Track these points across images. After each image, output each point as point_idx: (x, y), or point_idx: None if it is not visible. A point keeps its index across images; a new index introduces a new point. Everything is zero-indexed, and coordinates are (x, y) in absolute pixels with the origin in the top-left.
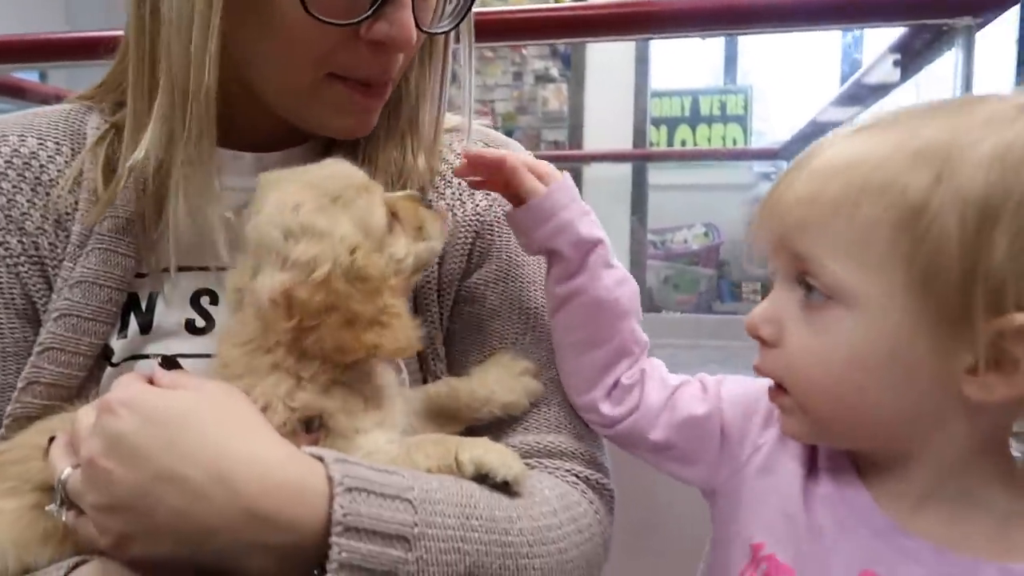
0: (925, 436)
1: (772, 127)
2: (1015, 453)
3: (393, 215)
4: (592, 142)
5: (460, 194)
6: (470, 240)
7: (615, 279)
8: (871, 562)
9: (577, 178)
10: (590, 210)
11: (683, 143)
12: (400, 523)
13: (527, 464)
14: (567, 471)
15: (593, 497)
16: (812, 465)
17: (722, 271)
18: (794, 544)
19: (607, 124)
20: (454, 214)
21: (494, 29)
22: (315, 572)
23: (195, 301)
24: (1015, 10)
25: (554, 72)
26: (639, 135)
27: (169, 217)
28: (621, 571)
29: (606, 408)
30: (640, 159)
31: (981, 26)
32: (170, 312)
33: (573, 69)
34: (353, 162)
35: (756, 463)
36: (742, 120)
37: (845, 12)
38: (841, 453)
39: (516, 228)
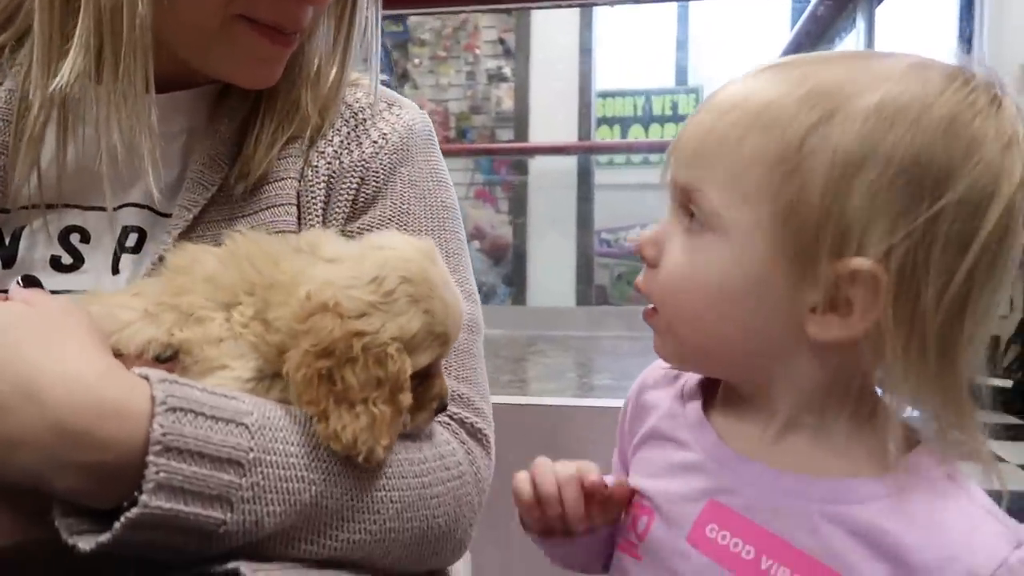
0: (777, 369)
1: None
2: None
3: (429, 376)
4: (538, 138)
5: (348, 143)
6: (355, 186)
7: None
8: (716, 491)
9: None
10: None
11: None
12: (232, 447)
13: None
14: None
15: (466, 439)
16: (675, 413)
17: None
18: (653, 485)
19: (552, 118)
20: (340, 162)
21: None
22: (135, 494)
23: (64, 238)
24: None
25: (507, 71)
26: (584, 128)
27: (58, 149)
28: None
29: None
30: (584, 151)
31: None
32: (36, 247)
33: (516, 64)
34: (245, 103)
35: (634, 443)
36: None
37: None
38: (698, 393)
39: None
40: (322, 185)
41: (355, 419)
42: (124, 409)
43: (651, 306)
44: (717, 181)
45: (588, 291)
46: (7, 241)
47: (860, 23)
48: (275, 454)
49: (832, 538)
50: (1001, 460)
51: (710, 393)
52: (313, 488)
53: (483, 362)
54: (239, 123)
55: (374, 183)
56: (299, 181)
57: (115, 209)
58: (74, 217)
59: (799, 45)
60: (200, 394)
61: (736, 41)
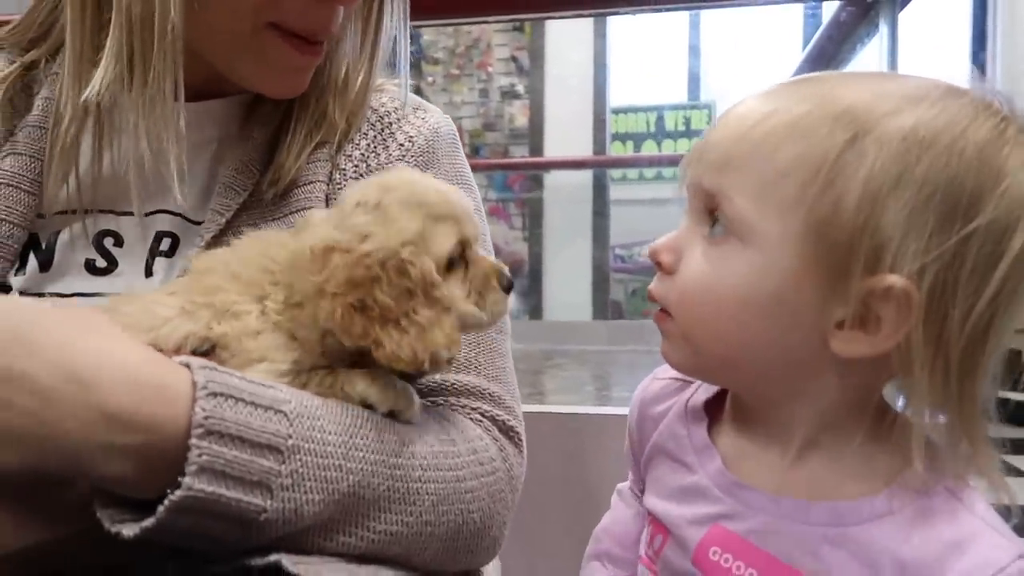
0: (795, 384)
1: None
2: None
3: (465, 261)
4: (553, 154)
5: (375, 146)
6: None
7: None
8: (720, 517)
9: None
10: None
11: None
12: (272, 433)
13: (432, 401)
14: (473, 409)
15: (499, 435)
16: (680, 434)
17: None
18: (664, 507)
19: (567, 134)
20: (368, 165)
21: (443, 4)
22: (179, 479)
23: (98, 243)
24: None
25: (520, 88)
26: (599, 143)
27: (94, 156)
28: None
29: None
30: (600, 166)
31: (904, 3)
32: (72, 251)
33: (531, 79)
34: (277, 111)
35: (644, 458)
36: None
37: None
38: (703, 415)
39: None
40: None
41: (404, 333)
42: (166, 392)
43: (660, 308)
44: (747, 189)
45: (604, 305)
46: (43, 245)
47: (883, 28)
48: (313, 442)
49: (831, 559)
50: (1020, 474)
51: (714, 413)
52: (351, 477)
53: (512, 363)
54: (272, 130)
55: None
56: (327, 184)
57: (149, 215)
58: (108, 222)
59: (822, 50)
60: (239, 381)
61: (748, 56)
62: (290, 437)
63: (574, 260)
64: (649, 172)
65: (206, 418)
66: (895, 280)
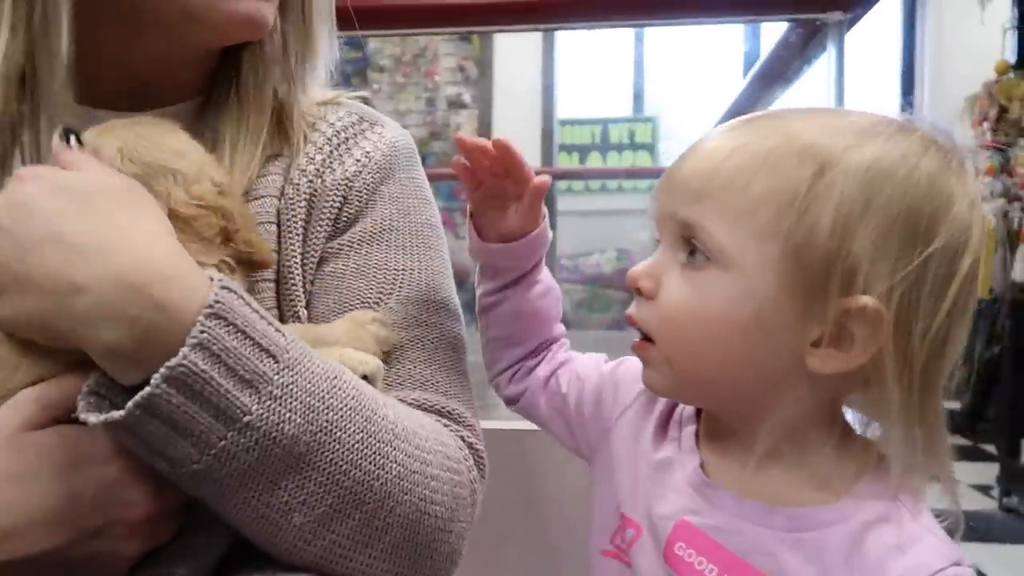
0: (769, 400)
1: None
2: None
3: None
4: None
5: (331, 161)
6: (337, 205)
7: (539, 292)
8: (687, 511)
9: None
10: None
11: None
12: (273, 341)
13: None
14: (435, 422)
15: (463, 446)
16: (663, 434)
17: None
18: (640, 503)
19: (515, 145)
20: (323, 180)
21: (395, 16)
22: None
23: None
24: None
25: (466, 98)
26: (547, 155)
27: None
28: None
29: (508, 390)
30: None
31: (852, 22)
32: None
33: (479, 90)
34: (224, 117)
35: (622, 432)
36: (650, 148)
37: (725, 4)
38: (694, 419)
39: (479, 247)
40: (303, 203)
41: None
42: (184, 279)
43: (639, 338)
44: (725, 219)
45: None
46: None
47: (831, 48)
48: (304, 369)
49: (787, 560)
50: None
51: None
52: (330, 414)
53: (469, 379)
54: (218, 138)
55: (357, 202)
56: (279, 199)
57: None
58: None
59: (771, 68)
60: (251, 299)
61: (691, 71)
62: (288, 351)
63: None
64: (595, 184)
65: (216, 302)
66: (868, 300)
